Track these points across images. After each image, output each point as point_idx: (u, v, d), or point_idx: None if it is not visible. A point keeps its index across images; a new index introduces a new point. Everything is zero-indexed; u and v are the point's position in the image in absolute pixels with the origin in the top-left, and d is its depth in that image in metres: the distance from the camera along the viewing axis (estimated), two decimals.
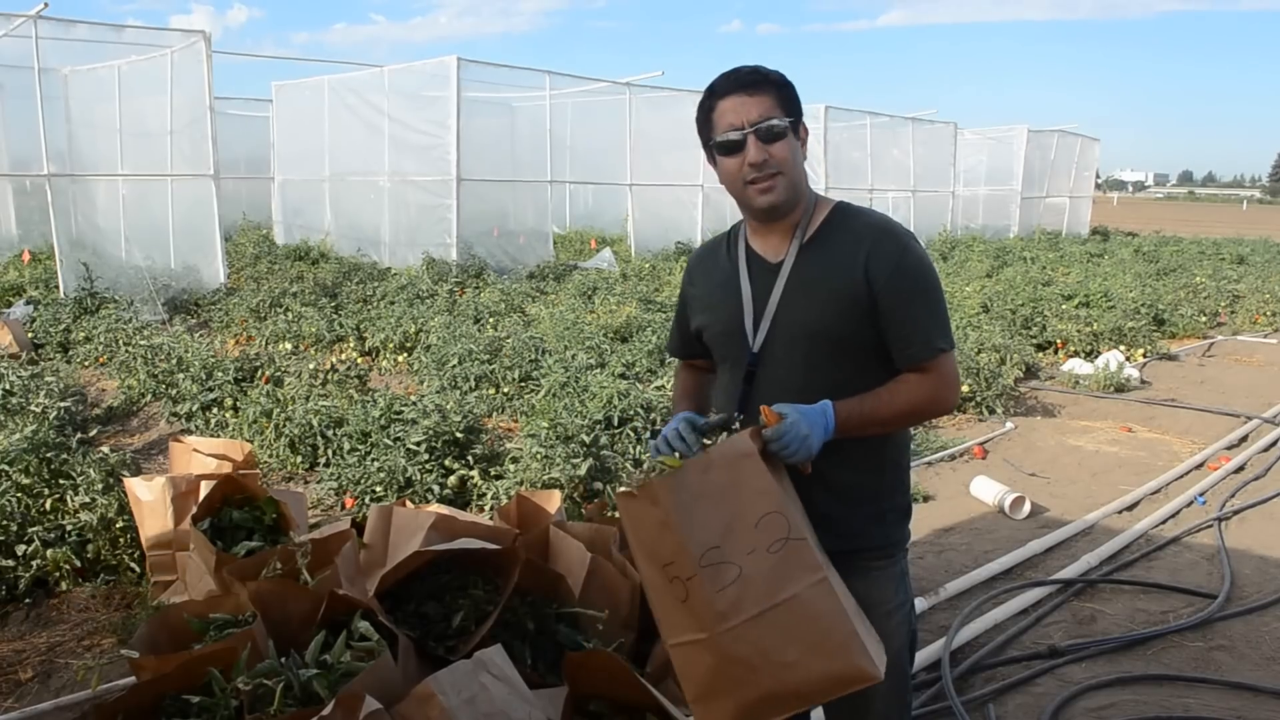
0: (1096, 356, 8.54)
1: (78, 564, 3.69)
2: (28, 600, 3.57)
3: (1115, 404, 7.30)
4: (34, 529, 3.71)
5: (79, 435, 4.81)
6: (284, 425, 5.37)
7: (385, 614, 2.26)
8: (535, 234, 14.23)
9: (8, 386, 5.72)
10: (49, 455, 4.12)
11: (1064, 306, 10.27)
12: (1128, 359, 8.61)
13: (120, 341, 7.70)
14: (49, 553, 3.63)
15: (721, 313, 1.93)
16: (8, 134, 12.83)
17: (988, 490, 4.97)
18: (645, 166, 15.03)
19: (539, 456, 4.41)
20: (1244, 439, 6.32)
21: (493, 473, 4.66)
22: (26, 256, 12.06)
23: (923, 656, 3.18)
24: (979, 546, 4.36)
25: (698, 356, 2.09)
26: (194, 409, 6.02)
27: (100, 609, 3.56)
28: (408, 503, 3.38)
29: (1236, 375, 8.64)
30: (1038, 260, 16.10)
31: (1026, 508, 4.80)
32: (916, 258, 1.81)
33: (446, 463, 4.69)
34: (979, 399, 6.88)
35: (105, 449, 4.46)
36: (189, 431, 5.78)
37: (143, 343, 7.37)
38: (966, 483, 5.18)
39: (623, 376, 6.37)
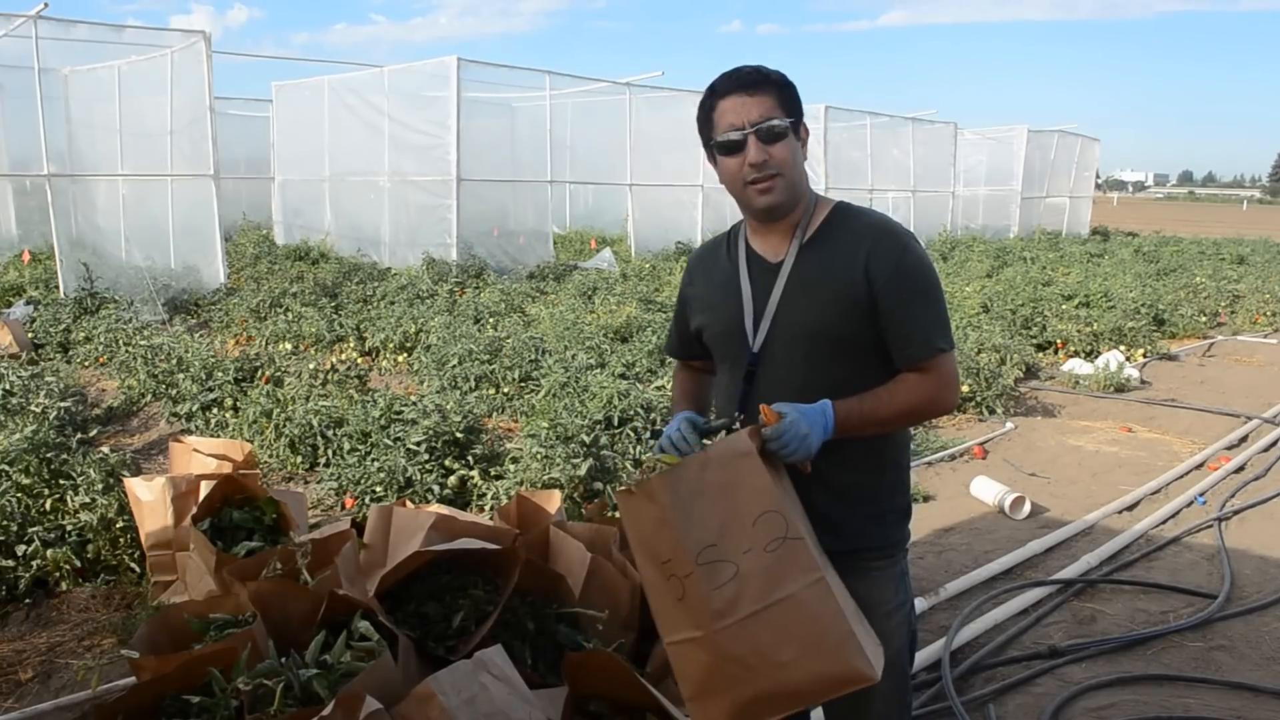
0: (1096, 356, 8.54)
1: (78, 564, 3.69)
2: (28, 600, 3.57)
3: (1115, 404, 7.30)
4: (34, 529, 3.71)
5: (79, 435, 4.81)
6: (284, 425, 5.37)
7: (385, 614, 2.26)
8: (535, 234, 14.24)
9: (8, 386, 5.72)
10: (49, 455, 4.12)
11: (1064, 306, 10.27)
12: (1128, 359, 8.61)
13: (120, 341, 7.70)
14: (49, 553, 3.63)
15: (721, 313, 1.93)
16: (8, 134, 12.84)
17: (988, 490, 4.97)
18: (645, 166, 15.03)
19: (539, 456, 4.41)
20: (1244, 439, 6.32)
21: (493, 473, 4.66)
22: (26, 256, 12.06)
23: (923, 656, 3.18)
24: (979, 546, 4.36)
25: (696, 357, 2.09)
26: (194, 409, 6.02)
27: (100, 609, 3.56)
28: (408, 503, 3.37)
29: (1236, 375, 8.64)
30: (1038, 260, 16.09)
31: (1026, 508, 4.80)
32: (916, 258, 1.81)
33: (446, 463, 4.69)
34: (979, 399, 6.88)
35: (105, 449, 4.46)
36: (189, 431, 5.78)
37: (143, 343, 7.37)
38: (966, 483, 5.18)
39: (623, 376, 6.37)
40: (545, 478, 4.27)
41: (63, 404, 5.69)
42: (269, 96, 15.97)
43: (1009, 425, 6.55)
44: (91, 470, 4.03)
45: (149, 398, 6.48)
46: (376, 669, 1.93)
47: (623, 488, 1.68)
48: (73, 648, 3.28)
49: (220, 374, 6.24)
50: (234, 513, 3.20)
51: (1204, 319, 11.18)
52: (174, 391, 6.27)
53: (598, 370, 6.56)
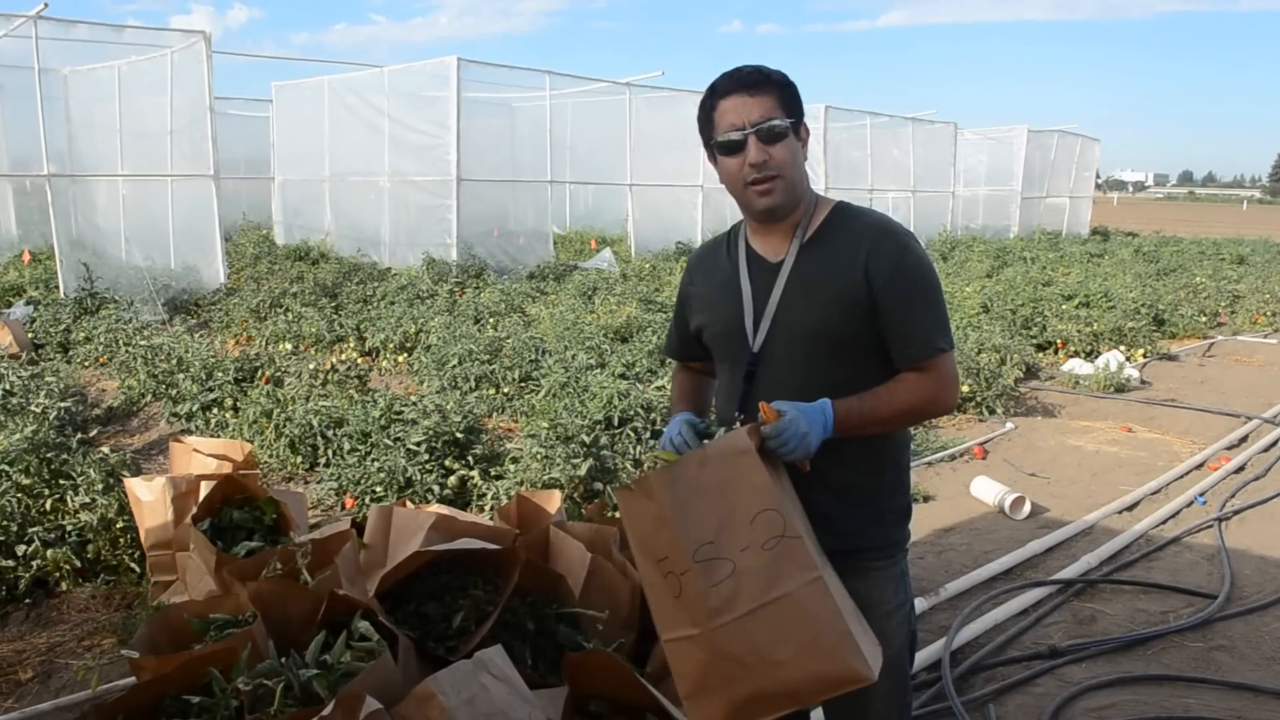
0: (1097, 357, 8.54)
1: (78, 564, 3.69)
2: (28, 600, 3.57)
3: (1115, 404, 7.30)
4: (34, 529, 3.71)
5: (79, 435, 4.81)
6: (284, 425, 5.37)
7: (385, 614, 2.26)
8: (535, 234, 14.24)
9: (8, 386, 5.72)
10: (49, 455, 4.12)
11: (1064, 307, 10.27)
12: (1128, 359, 8.61)
13: (120, 342, 7.70)
14: (49, 553, 3.63)
15: (721, 312, 1.93)
16: (8, 134, 12.84)
17: (988, 490, 4.97)
18: (645, 166, 15.03)
19: (539, 457, 4.41)
20: (1244, 439, 6.32)
21: (493, 473, 4.66)
22: (26, 257, 12.06)
23: (923, 657, 3.18)
24: (979, 547, 4.36)
25: (695, 358, 2.09)
26: (194, 409, 6.02)
27: (100, 609, 3.56)
28: (408, 503, 3.37)
29: (1236, 375, 8.64)
30: (1038, 260, 16.10)
31: (1026, 508, 4.80)
32: (916, 258, 1.81)
33: (446, 463, 4.69)
34: (979, 399, 6.88)
35: (105, 449, 4.46)
36: (189, 431, 5.78)
37: (143, 343, 7.37)
38: (967, 483, 5.18)
39: (623, 377, 6.37)
40: (545, 478, 4.27)
41: (63, 404, 5.69)
42: (269, 96, 15.97)
43: (1009, 425, 6.55)
44: (91, 470, 4.03)
45: (149, 398, 6.48)
46: (376, 669, 1.93)
47: (621, 485, 1.68)
48: (73, 648, 3.28)
49: (220, 374, 6.24)
50: (234, 513, 3.20)
51: (1204, 319, 11.18)
52: (174, 391, 6.27)
53: (598, 370, 6.56)
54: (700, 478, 1.61)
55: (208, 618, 2.30)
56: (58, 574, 3.65)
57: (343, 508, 4.65)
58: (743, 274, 1.90)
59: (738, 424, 1.78)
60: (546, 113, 13.97)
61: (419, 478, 4.58)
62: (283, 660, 1.98)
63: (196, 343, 7.25)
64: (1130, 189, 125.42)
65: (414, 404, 5.21)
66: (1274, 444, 6.12)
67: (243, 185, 16.70)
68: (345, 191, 14.43)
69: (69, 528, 3.76)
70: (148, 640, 2.24)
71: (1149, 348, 9.25)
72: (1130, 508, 4.93)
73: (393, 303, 9.68)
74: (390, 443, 4.81)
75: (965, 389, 6.83)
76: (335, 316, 8.95)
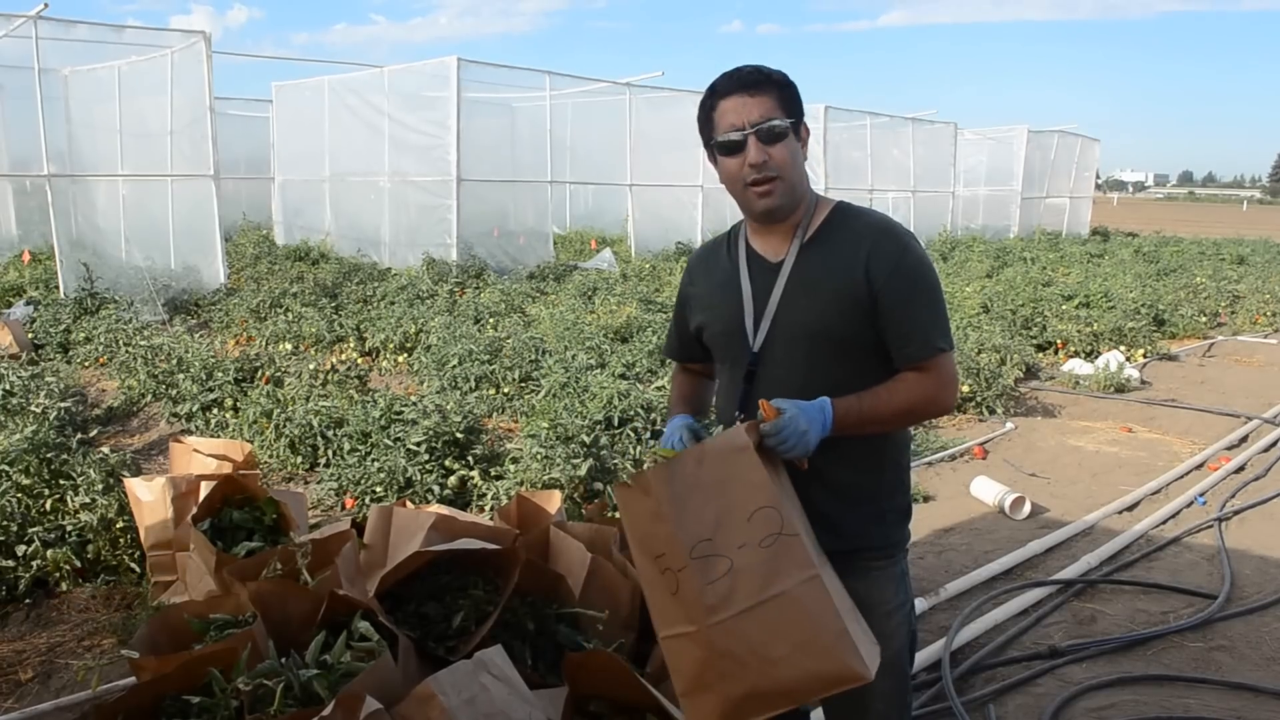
0: (1097, 357, 8.54)
1: (78, 564, 3.69)
2: (28, 600, 3.57)
3: (1115, 404, 7.30)
4: (34, 529, 3.71)
5: (79, 435, 4.81)
6: (284, 426, 5.37)
7: (385, 614, 2.26)
8: (535, 234, 14.24)
9: (8, 387, 5.72)
10: (49, 455, 4.12)
11: (1064, 307, 10.28)
12: (1128, 359, 8.61)
13: (120, 342, 7.70)
14: (49, 553, 3.63)
15: (722, 312, 1.93)
16: (8, 134, 12.84)
17: (988, 490, 4.97)
18: (645, 167, 15.03)
19: (539, 457, 4.41)
20: (1244, 439, 6.32)
21: (493, 473, 4.66)
22: (26, 257, 12.06)
23: (923, 657, 3.18)
24: (979, 547, 4.36)
25: (695, 359, 2.09)
26: (194, 409, 6.02)
27: (100, 609, 3.56)
28: (408, 503, 3.37)
29: (1236, 376, 8.64)
30: (1038, 260, 16.10)
31: (1027, 508, 4.80)
32: (916, 258, 1.81)
33: (447, 463, 4.69)
34: (979, 399, 6.88)
35: (105, 449, 4.46)
36: (189, 432, 5.78)
37: (143, 343, 7.37)
38: (967, 483, 5.18)
39: (623, 377, 6.37)
40: (545, 478, 4.27)
41: (63, 404, 5.69)
42: (269, 96, 15.97)
43: (1009, 425, 6.55)
44: (91, 470, 4.03)
45: (149, 398, 6.48)
46: (376, 669, 1.93)
47: (620, 481, 1.67)
48: (73, 648, 3.28)
49: (220, 374, 6.24)
50: (234, 513, 3.20)
51: (1204, 319, 11.18)
52: (174, 392, 6.27)
53: (598, 370, 6.56)
54: (698, 474, 1.61)
55: (208, 618, 2.30)
56: (58, 574, 3.65)
57: (343, 508, 4.65)
58: (743, 274, 1.90)
59: (738, 423, 1.78)
60: (546, 113, 13.97)
61: (419, 478, 4.58)
62: (283, 660, 1.98)
63: (196, 343, 7.25)
64: (1130, 189, 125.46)
65: (414, 404, 5.21)
66: (1274, 444, 6.12)
67: (243, 185, 16.70)
68: (345, 191, 14.43)
69: (69, 528, 3.76)
70: (148, 640, 2.24)
71: (1149, 348, 9.25)
72: (1130, 508, 4.93)
73: (393, 303, 9.68)
74: (390, 443, 4.81)
75: (965, 389, 6.83)
76: (335, 316, 8.95)
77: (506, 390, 6.62)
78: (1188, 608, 3.70)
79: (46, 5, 9.05)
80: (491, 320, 9.01)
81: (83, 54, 10.91)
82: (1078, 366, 8.23)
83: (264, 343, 8.20)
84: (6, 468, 3.98)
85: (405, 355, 7.91)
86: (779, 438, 1.65)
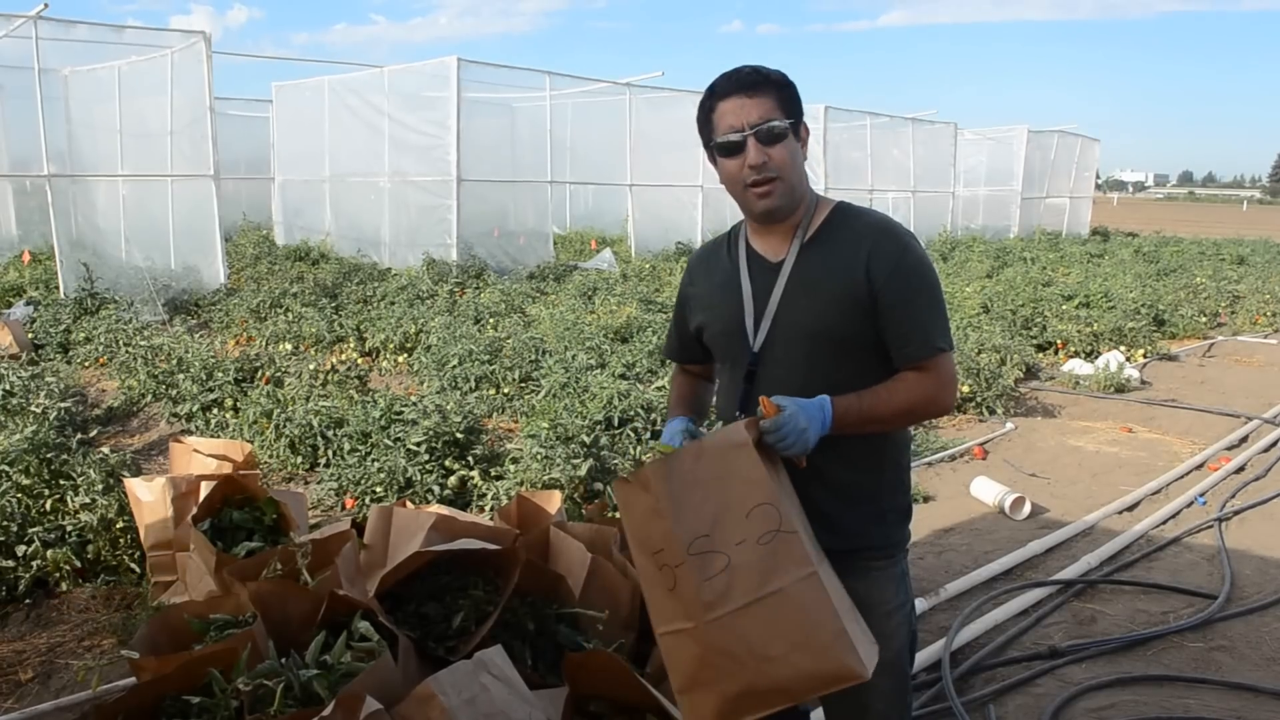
0: (1097, 357, 8.54)
1: (78, 564, 3.69)
2: (28, 600, 3.57)
3: (1115, 404, 7.30)
4: (34, 529, 3.71)
5: (79, 436, 4.82)
6: (284, 426, 5.37)
7: (385, 614, 2.26)
8: (535, 234, 14.24)
9: (8, 387, 5.72)
10: (49, 456, 4.12)
11: (1064, 307, 10.28)
12: (1128, 359, 8.62)
13: (120, 342, 7.70)
14: (49, 553, 3.63)
15: (722, 312, 1.93)
16: (8, 134, 12.84)
17: (988, 491, 4.97)
18: (645, 167, 15.03)
19: (539, 457, 4.41)
20: (1244, 439, 6.32)
21: (493, 473, 4.66)
22: (26, 257, 12.06)
23: (923, 657, 3.18)
24: (979, 547, 4.36)
25: (695, 360, 2.09)
26: (194, 409, 6.02)
27: (100, 609, 3.56)
28: (408, 503, 3.37)
29: (1236, 376, 8.64)
30: (1038, 261, 16.10)
31: (1027, 508, 4.80)
32: (917, 258, 1.81)
33: (447, 463, 4.69)
34: (979, 399, 6.88)
35: (105, 449, 4.46)
36: (189, 432, 5.78)
37: (143, 343, 7.37)
38: (967, 483, 5.18)
39: (623, 377, 6.37)
40: (545, 478, 4.27)
41: (63, 404, 5.69)
42: (269, 97, 15.97)
43: (1009, 425, 6.55)
44: (91, 470, 4.03)
45: (149, 398, 6.48)
46: (376, 669, 1.93)
47: (619, 477, 1.68)
48: (73, 648, 3.28)
49: (220, 374, 6.24)
50: (234, 513, 3.20)
51: (1204, 319, 11.18)
52: (174, 392, 6.27)
53: (598, 370, 6.56)
54: (696, 471, 1.61)
55: (208, 618, 2.30)
56: (58, 574, 3.65)
57: (343, 508, 4.65)
58: (743, 274, 1.90)
59: (737, 419, 1.78)
60: (546, 113, 13.97)
61: (419, 478, 4.58)
62: (283, 660, 1.99)
63: (196, 343, 7.25)
64: (1130, 189, 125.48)
65: (414, 404, 5.21)
66: (1274, 444, 6.12)
67: (243, 185, 16.70)
68: (345, 192, 14.43)
69: (69, 528, 3.76)
70: (148, 640, 2.24)
71: (1149, 348, 9.25)
72: (1130, 508, 4.93)
73: (393, 303, 9.68)
74: (390, 443, 4.81)
75: (965, 389, 6.84)
76: (335, 317, 8.95)
77: (506, 390, 6.62)
78: (1188, 608, 3.70)
79: (46, 5, 9.06)
80: (491, 320, 9.01)
81: (83, 54, 10.91)
82: (1078, 367, 8.24)
83: (264, 343, 8.21)
84: (7, 468, 3.98)
85: (405, 355, 7.91)
86: (778, 435, 1.65)
